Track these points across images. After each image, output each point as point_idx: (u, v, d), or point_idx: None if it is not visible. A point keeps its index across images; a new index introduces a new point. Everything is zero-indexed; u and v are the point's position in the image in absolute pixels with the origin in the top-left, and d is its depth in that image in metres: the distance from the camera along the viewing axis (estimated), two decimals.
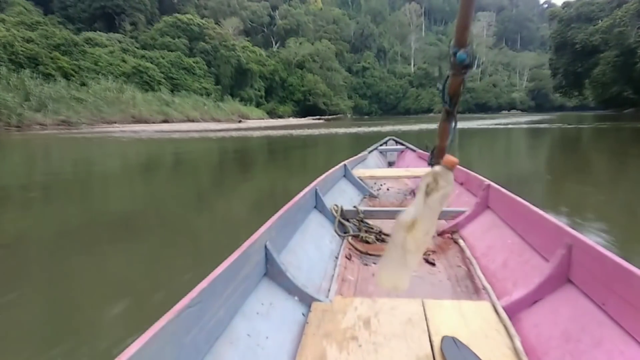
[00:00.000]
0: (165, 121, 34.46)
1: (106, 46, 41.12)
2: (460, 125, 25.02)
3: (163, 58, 43.72)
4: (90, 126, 26.36)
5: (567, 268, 1.28)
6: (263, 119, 49.17)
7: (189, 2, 61.09)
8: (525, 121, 29.72)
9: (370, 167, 4.90)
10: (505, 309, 1.33)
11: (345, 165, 3.78)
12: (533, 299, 1.32)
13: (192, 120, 37.52)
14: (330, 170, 3.20)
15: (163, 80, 41.05)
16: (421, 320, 1.29)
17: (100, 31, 45.80)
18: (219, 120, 39.52)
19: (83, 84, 30.85)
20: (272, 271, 1.47)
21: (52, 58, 34.55)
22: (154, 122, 32.88)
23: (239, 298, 1.22)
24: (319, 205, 2.49)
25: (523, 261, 1.59)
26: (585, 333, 1.07)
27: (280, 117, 53.41)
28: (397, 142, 6.08)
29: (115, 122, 29.15)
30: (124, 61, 39.45)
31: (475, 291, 1.68)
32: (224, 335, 1.09)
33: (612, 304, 1.05)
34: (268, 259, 1.47)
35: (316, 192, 2.49)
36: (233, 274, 1.18)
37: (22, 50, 32.88)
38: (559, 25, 47.63)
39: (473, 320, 1.28)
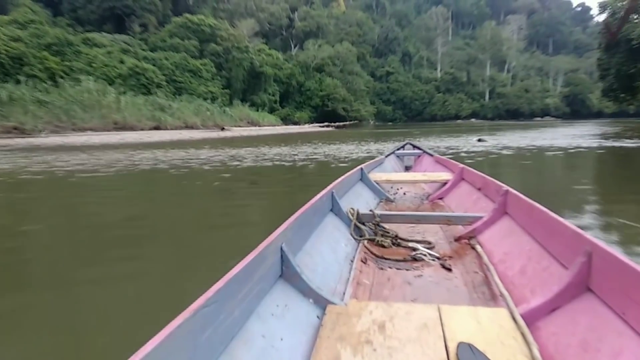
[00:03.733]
0: (157, 128, 28.93)
1: (105, 46, 36.17)
2: (495, 140, 16.06)
3: (167, 60, 38.42)
4: (54, 134, 20.95)
5: (586, 276, 1.20)
6: (276, 125, 43.35)
7: (205, 4, 55.93)
8: (583, 134, 21.02)
9: (387, 171, 4.75)
10: (523, 316, 1.25)
11: (362, 168, 3.65)
12: (551, 307, 1.25)
13: (192, 127, 31.92)
14: (347, 174, 3.09)
15: (164, 83, 35.66)
16: (437, 325, 1.22)
17: (108, 33, 41.11)
18: (223, 127, 33.77)
19: (55, 85, 25.67)
20: (288, 273, 1.41)
21: (39, 58, 29.83)
22: (142, 129, 27.40)
23: (254, 299, 1.18)
24: (335, 208, 2.39)
25: (541, 268, 1.50)
26: (604, 343, 1.02)
27: (296, 123, 47.35)
28: (414, 147, 5.93)
29: (90, 129, 23.73)
30: (122, 62, 34.34)
31: (492, 298, 1.58)
32: (239, 336, 1.05)
33: (632, 313, 1.00)
34: (284, 260, 1.41)
35: (332, 195, 2.40)
36: (249, 274, 1.14)
37: (5, 50, 28.20)
38: (610, 19, 39.22)
39: (490, 327, 1.21)
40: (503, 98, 75.77)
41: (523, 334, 1.17)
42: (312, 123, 48.84)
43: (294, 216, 1.66)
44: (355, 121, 53.33)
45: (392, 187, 4.18)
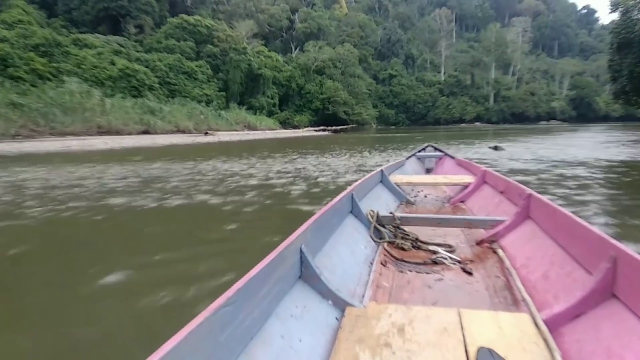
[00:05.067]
0: (145, 132, 27.25)
1: (96, 47, 34.59)
2: (516, 148, 12.99)
3: (161, 61, 36.76)
4: (25, 139, 19.25)
5: (611, 282, 1.18)
6: (274, 129, 41.63)
7: (203, 5, 54.31)
8: (618, 139, 17.71)
9: (407, 173, 4.70)
10: (545, 322, 1.22)
11: (382, 171, 3.60)
12: (575, 313, 1.22)
13: (183, 131, 30.21)
14: (367, 176, 3.08)
15: (157, 85, 33.98)
16: (457, 330, 1.20)
17: (103, 34, 39.56)
18: (207, 132, 32.00)
19: (33, 86, 24.06)
20: (307, 274, 1.41)
21: (25, 59, 28.27)
22: (129, 134, 25.70)
23: (274, 299, 1.18)
24: (354, 210, 2.37)
25: (565, 273, 1.46)
26: (629, 350, 0.99)
27: (296, 127, 45.50)
28: (435, 149, 5.73)
29: (71, 134, 22.03)
30: (112, 64, 32.71)
31: (513, 302, 1.53)
32: (258, 336, 1.05)
33: None
34: (303, 262, 1.40)
35: (352, 197, 2.38)
36: (268, 275, 1.14)
37: None
38: (623, 17, 37.00)
39: (511, 332, 1.18)
40: (508, 101, 73.57)
41: (545, 340, 1.14)
42: (312, 127, 47.02)
43: (314, 217, 1.62)
44: (355, 125, 51.26)
45: (412, 190, 4.09)
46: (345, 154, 12.41)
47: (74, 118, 23.07)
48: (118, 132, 25.12)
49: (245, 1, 55.11)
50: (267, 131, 37.04)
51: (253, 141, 22.96)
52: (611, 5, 38.01)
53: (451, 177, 4.04)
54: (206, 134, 28.98)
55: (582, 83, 77.79)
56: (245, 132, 33.78)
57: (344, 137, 27.56)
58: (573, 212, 1.59)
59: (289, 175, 7.66)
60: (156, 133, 27.55)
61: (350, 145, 17.56)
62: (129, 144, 18.45)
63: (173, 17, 45.69)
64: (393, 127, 63.08)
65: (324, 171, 8.17)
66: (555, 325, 1.21)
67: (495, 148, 12.92)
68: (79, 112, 23.54)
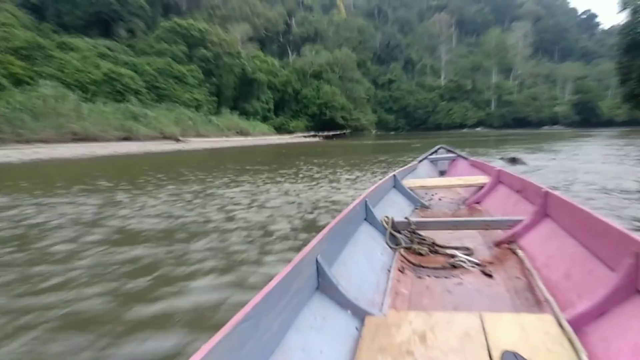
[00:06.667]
0: (127, 139, 25.33)
1: (82, 51, 32.82)
2: (548, 161, 9.80)
3: (149, 65, 34.93)
4: None
5: (635, 278, 1.16)
6: (269, 134, 39.77)
7: (198, 9, 52.61)
8: None
9: (420, 176, 4.51)
10: (569, 322, 1.20)
11: (394, 176, 3.51)
12: (599, 311, 1.19)
13: (169, 137, 28.31)
14: (380, 182, 2.97)
15: (144, 89, 32.12)
16: (479, 334, 1.17)
17: (93, 38, 37.85)
18: (178, 138, 30.08)
19: (3, 89, 22.22)
20: (324, 285, 1.38)
21: (3, 63, 26.49)
22: (109, 140, 23.78)
23: (292, 312, 1.16)
24: (369, 217, 2.28)
25: (587, 272, 1.43)
26: None
27: (291, 132, 43.68)
28: (448, 151, 5.56)
29: (41, 141, 20.08)
30: (97, 67, 30.89)
31: (536, 304, 1.50)
32: (278, 350, 1.03)
33: None
34: (320, 272, 1.38)
35: (366, 203, 2.28)
36: (286, 288, 1.13)
37: None
38: (633, 17, 34.93)
39: (535, 334, 1.16)
40: (510, 106, 71.43)
41: (570, 340, 1.11)
42: (310, 132, 45.11)
43: (328, 227, 1.58)
44: (352, 130, 49.27)
45: (426, 193, 3.96)
46: (312, 177, 8.17)
47: (46, 124, 21.14)
48: (95, 139, 23.18)
49: (241, 4, 53.37)
50: (249, 138, 34.96)
51: (221, 149, 20.60)
52: (622, 4, 35.91)
53: (465, 178, 3.92)
54: (177, 140, 27.06)
55: (585, 88, 75.54)
56: (224, 139, 31.78)
57: (332, 145, 25.27)
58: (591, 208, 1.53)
59: (150, 251, 3.24)
60: (138, 140, 25.63)
61: (331, 158, 13.83)
62: (48, 155, 15.40)
63: (167, 20, 44.03)
64: (393, 132, 61.14)
65: (248, 232, 3.74)
66: (579, 324, 1.17)
67: (514, 161, 9.75)
68: (52, 117, 21.62)
